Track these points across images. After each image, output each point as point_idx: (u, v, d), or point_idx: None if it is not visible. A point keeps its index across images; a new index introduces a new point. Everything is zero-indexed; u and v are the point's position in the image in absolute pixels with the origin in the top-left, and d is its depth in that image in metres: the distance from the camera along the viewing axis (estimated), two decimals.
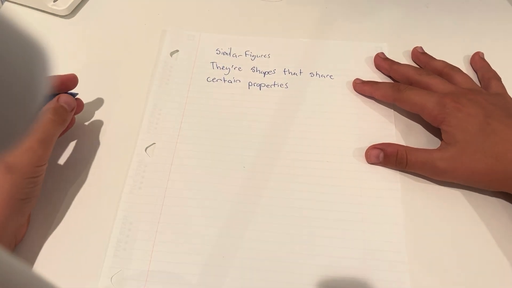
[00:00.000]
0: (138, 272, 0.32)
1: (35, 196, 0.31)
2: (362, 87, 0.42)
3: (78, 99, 0.37)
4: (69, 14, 0.49)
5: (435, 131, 0.39)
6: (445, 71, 0.40)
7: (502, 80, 0.40)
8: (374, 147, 0.37)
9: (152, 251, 0.33)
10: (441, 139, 0.36)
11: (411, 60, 0.45)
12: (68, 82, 0.36)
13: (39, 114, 0.32)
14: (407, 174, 0.37)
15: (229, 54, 0.45)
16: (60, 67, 0.44)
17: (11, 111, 0.11)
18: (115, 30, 0.48)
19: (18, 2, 0.49)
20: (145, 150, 0.38)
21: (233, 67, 0.44)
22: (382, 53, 0.44)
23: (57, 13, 0.48)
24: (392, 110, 0.41)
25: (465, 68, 0.43)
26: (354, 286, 0.32)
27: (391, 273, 0.32)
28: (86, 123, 0.40)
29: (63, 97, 0.34)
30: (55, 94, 0.35)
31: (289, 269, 0.33)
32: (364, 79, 0.42)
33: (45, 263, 0.33)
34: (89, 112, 0.40)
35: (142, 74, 0.43)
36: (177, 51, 0.45)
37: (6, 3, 0.49)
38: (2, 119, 0.11)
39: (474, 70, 0.44)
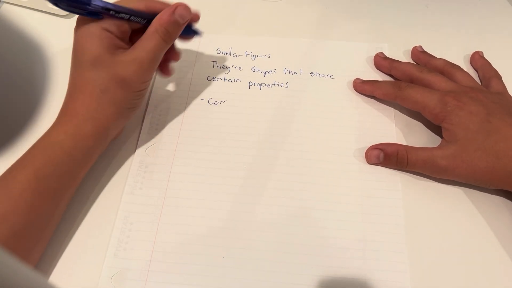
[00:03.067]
0: (138, 272, 0.32)
1: (140, 105, 0.36)
2: (363, 87, 0.41)
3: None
4: (69, 14, 0.49)
5: (435, 129, 0.39)
6: (446, 69, 0.40)
7: (502, 79, 0.40)
8: (374, 147, 0.37)
9: (152, 251, 0.33)
10: (441, 137, 0.36)
11: (411, 60, 0.45)
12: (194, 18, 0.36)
13: (149, 30, 0.33)
14: (407, 174, 0.37)
15: (230, 53, 0.45)
16: (60, 67, 0.44)
17: (12, 110, 0.11)
18: None
19: (18, 3, 0.49)
20: (146, 150, 0.38)
21: (233, 66, 0.44)
22: (382, 52, 0.44)
23: (57, 13, 0.48)
24: (392, 109, 0.41)
25: (466, 67, 0.43)
26: (354, 286, 0.32)
27: (391, 273, 0.32)
28: None
29: (180, 9, 0.34)
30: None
31: (289, 269, 0.32)
32: (364, 79, 0.42)
33: (45, 263, 0.33)
34: None
35: None
36: None
37: (5, 4, 0.49)
38: (2, 118, 0.11)
39: (475, 69, 0.44)
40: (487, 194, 0.36)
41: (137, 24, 0.34)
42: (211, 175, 0.37)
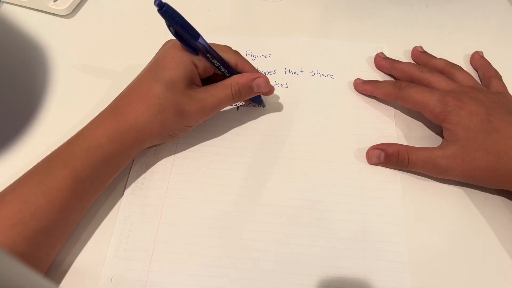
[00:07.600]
0: (139, 273, 0.32)
1: (179, 137, 0.38)
2: (363, 87, 0.42)
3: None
4: (69, 14, 0.49)
5: (436, 129, 0.39)
6: (446, 69, 0.40)
7: (502, 78, 0.40)
8: (375, 147, 0.37)
9: (152, 251, 0.33)
10: (442, 137, 0.36)
11: (412, 60, 0.45)
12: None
13: (225, 82, 0.35)
14: (407, 174, 0.37)
15: None
16: (60, 67, 0.44)
17: (12, 110, 0.11)
18: (115, 30, 0.48)
19: (18, 3, 0.49)
20: (146, 150, 0.38)
21: None
22: (382, 53, 0.44)
23: (57, 13, 0.48)
24: (393, 109, 0.41)
25: (466, 67, 0.43)
26: (354, 286, 0.32)
27: (391, 273, 0.32)
28: None
29: (260, 80, 0.36)
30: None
31: (289, 269, 0.32)
32: (364, 79, 0.42)
33: None
34: (89, 112, 0.40)
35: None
36: None
37: (5, 4, 0.49)
38: (2, 118, 0.11)
39: (475, 69, 0.44)
40: (487, 194, 0.36)
41: (218, 72, 0.37)
42: (211, 175, 0.37)
